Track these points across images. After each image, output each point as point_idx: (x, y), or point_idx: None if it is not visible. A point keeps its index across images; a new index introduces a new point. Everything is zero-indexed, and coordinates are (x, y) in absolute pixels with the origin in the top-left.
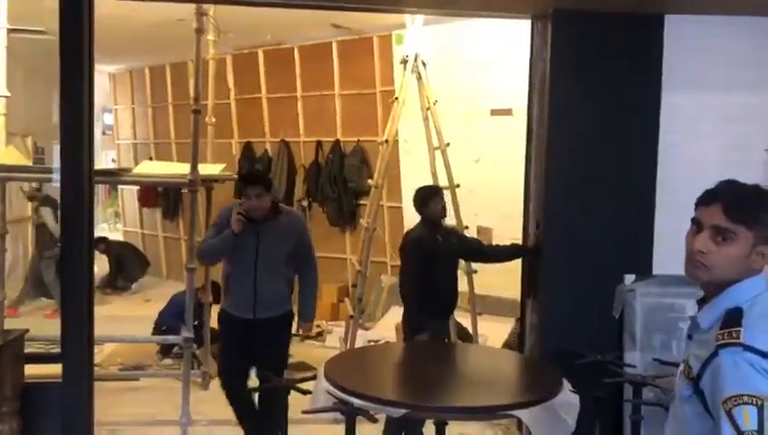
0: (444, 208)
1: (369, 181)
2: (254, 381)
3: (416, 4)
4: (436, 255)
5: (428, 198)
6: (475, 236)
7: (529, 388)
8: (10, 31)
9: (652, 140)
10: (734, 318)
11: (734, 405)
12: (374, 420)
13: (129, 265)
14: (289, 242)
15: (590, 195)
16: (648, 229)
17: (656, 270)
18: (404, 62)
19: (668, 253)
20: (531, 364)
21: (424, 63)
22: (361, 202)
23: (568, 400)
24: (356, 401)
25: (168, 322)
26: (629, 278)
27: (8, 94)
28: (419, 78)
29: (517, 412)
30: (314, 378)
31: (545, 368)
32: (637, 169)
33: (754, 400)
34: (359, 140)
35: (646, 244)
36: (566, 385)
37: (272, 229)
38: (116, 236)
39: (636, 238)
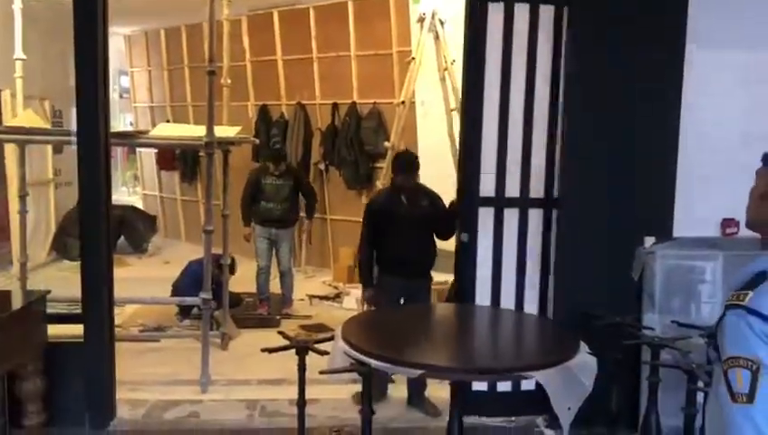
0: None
1: (386, 144)
2: None
3: None
4: (394, 218)
5: (416, 166)
6: None
7: (546, 350)
8: None
9: (674, 100)
10: (753, 281)
11: (730, 366)
12: (391, 381)
13: (135, 228)
14: None
15: (610, 156)
16: (668, 191)
17: (676, 232)
18: (421, 20)
19: (689, 215)
20: (548, 326)
21: (441, 22)
22: (378, 165)
23: (585, 361)
24: (373, 362)
25: (184, 293)
26: (649, 241)
27: (24, 57)
28: (437, 37)
29: (534, 374)
30: (332, 339)
31: (562, 330)
32: (658, 129)
33: (749, 363)
34: (375, 102)
35: (666, 206)
36: (583, 347)
37: None
38: (134, 199)
39: (656, 200)
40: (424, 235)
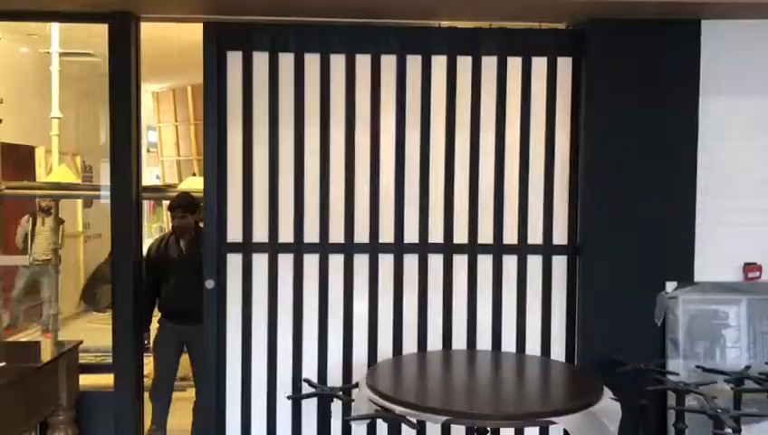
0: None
1: None
2: None
3: (448, 16)
4: (168, 265)
5: (190, 207)
6: None
7: (570, 395)
8: (61, 54)
9: (691, 146)
10: None
11: None
12: (415, 427)
13: None
14: None
15: (630, 202)
16: (688, 236)
17: (697, 277)
18: None
19: (710, 260)
20: (571, 371)
21: None
22: None
23: (609, 406)
24: (398, 409)
25: None
26: (671, 286)
27: (60, 116)
28: None
29: (559, 419)
30: (356, 386)
31: (586, 375)
32: (676, 175)
33: None
34: None
35: (687, 251)
36: (607, 392)
37: None
38: None
39: (676, 245)
40: (194, 283)
